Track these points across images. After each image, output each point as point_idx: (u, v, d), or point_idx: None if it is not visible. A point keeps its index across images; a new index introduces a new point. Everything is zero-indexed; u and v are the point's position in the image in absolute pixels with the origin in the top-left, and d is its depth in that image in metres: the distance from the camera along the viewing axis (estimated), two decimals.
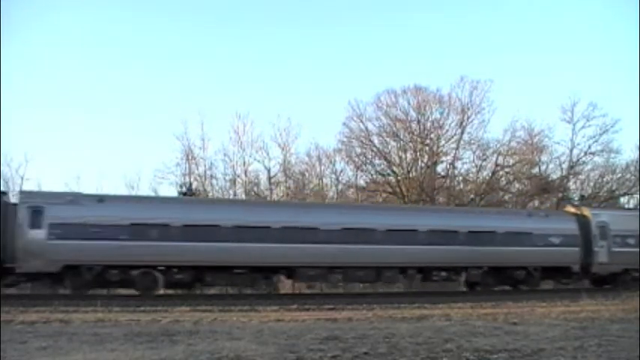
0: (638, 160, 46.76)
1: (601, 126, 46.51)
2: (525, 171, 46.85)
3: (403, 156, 46.22)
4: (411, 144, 45.79)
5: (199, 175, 44.96)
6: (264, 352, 8.04)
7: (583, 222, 29.39)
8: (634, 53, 56.32)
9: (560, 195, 46.86)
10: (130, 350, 8.42)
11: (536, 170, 47.69)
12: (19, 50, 57.97)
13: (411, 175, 45.02)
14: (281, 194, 45.07)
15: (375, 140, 45.84)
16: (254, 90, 64.86)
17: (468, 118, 45.83)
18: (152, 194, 40.52)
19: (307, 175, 47.92)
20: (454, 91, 45.91)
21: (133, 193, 41.54)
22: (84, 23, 63.26)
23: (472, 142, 46.28)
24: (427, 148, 45.54)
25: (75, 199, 23.54)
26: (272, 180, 45.79)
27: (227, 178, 45.42)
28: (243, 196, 43.48)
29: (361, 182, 46.96)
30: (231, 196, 43.04)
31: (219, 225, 23.59)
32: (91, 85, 64.02)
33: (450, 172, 46.95)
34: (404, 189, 43.84)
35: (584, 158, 47.85)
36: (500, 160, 46.19)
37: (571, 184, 49.41)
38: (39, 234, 21.82)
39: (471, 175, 47.57)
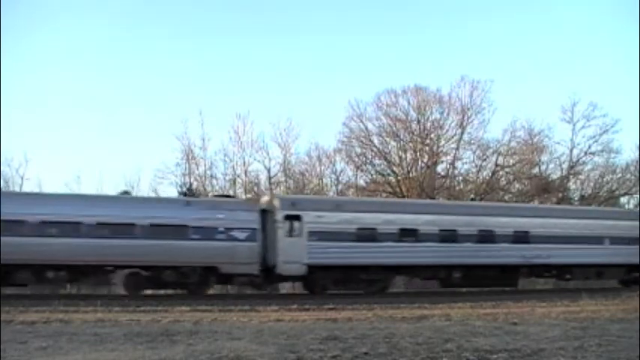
0: (638, 160, 46.83)
1: (601, 126, 46.62)
2: (525, 171, 46.84)
3: (403, 156, 46.23)
4: (411, 144, 45.78)
5: (199, 175, 45.06)
6: (264, 352, 8.05)
7: None
8: (634, 53, 56.44)
9: (560, 195, 46.87)
10: (130, 350, 8.43)
11: (536, 170, 47.68)
12: (20, 50, 58.08)
13: (411, 175, 45.00)
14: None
15: (375, 140, 45.91)
16: (254, 90, 64.95)
17: (468, 118, 45.91)
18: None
19: (307, 175, 47.97)
20: (454, 91, 46.03)
21: (133, 193, 41.57)
22: (84, 24, 63.33)
23: (472, 142, 46.38)
24: (427, 148, 45.54)
25: (324, 206, 26.44)
26: (272, 180, 45.85)
27: (227, 178, 45.55)
28: (244, 196, 43.48)
29: (361, 182, 47.11)
30: None
31: (456, 231, 26.36)
32: (91, 85, 64.19)
33: (450, 172, 46.97)
34: (404, 189, 43.82)
35: (584, 158, 47.96)
36: (500, 160, 46.26)
37: (571, 184, 49.49)
38: (297, 239, 24.30)
39: (471, 175, 47.61)
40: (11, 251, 20.73)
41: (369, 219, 25.51)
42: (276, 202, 25.27)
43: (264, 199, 27.17)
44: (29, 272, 21.90)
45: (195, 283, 23.29)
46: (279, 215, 24.32)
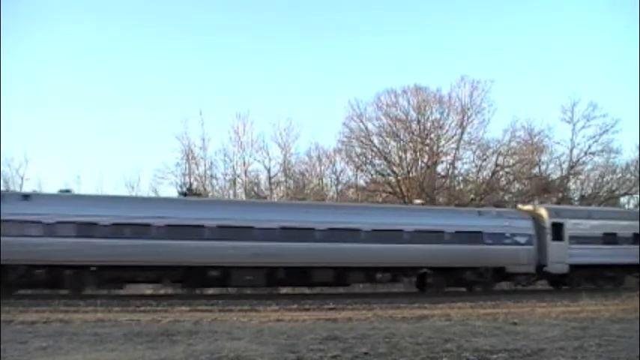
0: (638, 160, 46.83)
1: (601, 126, 46.63)
2: (525, 171, 46.83)
3: (403, 156, 46.22)
4: (411, 144, 45.77)
5: (199, 175, 45.04)
6: (264, 352, 8.04)
7: None
8: (634, 53, 56.42)
9: (560, 195, 46.87)
10: (130, 350, 8.42)
11: (536, 170, 47.67)
12: (20, 50, 58.06)
13: (411, 175, 44.98)
14: (281, 194, 45.09)
15: (375, 140, 45.88)
16: (254, 90, 64.94)
17: (468, 118, 45.89)
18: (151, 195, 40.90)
19: (307, 175, 47.96)
20: (454, 91, 46.02)
21: (133, 193, 41.60)
22: (84, 24, 63.34)
23: (472, 142, 46.36)
24: (427, 148, 45.53)
25: (579, 214, 30.99)
26: (272, 180, 45.84)
27: (227, 178, 45.54)
28: (244, 196, 43.48)
29: (361, 182, 47.08)
30: (231, 196, 43.08)
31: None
32: (91, 85, 64.19)
33: (450, 172, 46.95)
34: (404, 189, 43.82)
35: (584, 158, 47.95)
36: (500, 160, 46.23)
37: (571, 184, 49.48)
38: (561, 242, 28.67)
39: (471, 175, 47.60)
40: (295, 255, 23.97)
41: (611, 225, 30.02)
42: (544, 212, 29.48)
43: (527, 207, 31.07)
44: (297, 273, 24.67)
45: (488, 282, 27.15)
46: (548, 223, 28.83)
